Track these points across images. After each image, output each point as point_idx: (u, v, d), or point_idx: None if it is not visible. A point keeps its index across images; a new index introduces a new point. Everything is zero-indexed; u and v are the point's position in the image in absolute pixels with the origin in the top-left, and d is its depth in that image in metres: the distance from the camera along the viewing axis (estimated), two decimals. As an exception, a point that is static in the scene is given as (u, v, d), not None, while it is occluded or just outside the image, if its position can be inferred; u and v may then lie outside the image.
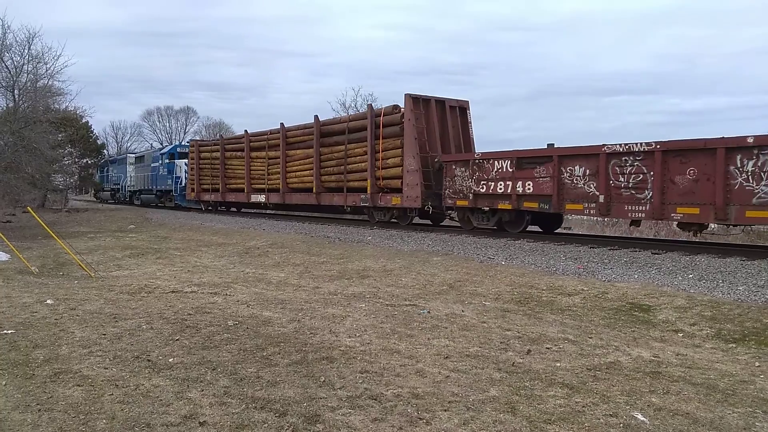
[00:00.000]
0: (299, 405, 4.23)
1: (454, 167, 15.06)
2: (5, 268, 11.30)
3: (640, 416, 4.13)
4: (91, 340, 5.90)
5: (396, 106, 16.97)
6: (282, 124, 22.00)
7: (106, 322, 6.70)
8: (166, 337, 6.09)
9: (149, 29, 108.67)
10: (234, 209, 27.28)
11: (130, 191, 38.63)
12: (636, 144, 11.24)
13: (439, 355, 5.58)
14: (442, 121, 16.79)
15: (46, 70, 25.36)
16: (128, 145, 78.19)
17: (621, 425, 3.97)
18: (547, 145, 12.84)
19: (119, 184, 41.54)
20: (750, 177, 9.78)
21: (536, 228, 15.29)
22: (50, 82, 26.23)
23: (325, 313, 7.38)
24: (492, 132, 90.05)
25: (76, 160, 43.86)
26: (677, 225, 11.82)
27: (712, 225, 10.68)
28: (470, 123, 17.45)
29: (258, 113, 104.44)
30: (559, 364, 5.33)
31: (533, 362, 5.39)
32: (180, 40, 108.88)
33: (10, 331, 6.21)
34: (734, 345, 6.18)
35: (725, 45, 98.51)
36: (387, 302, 8.13)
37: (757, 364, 5.50)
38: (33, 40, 24.76)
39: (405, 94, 16.37)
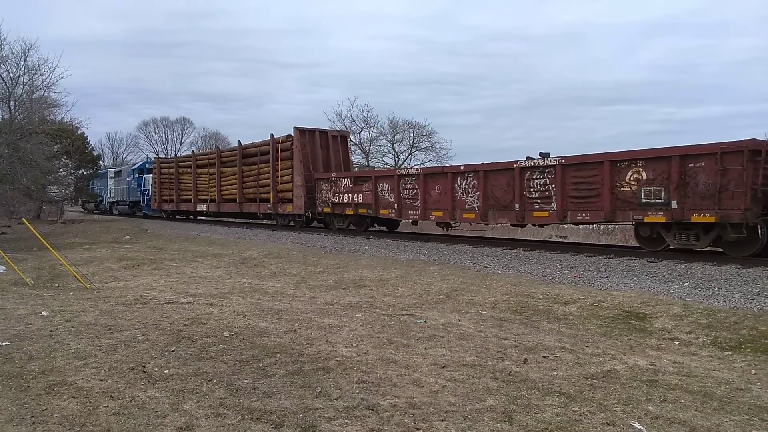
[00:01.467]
0: (296, 416, 4.22)
1: (322, 183, 19.92)
2: (0, 280, 11.25)
3: (637, 425, 4.13)
4: (86, 352, 5.87)
5: (289, 136, 21.16)
6: (217, 146, 28.10)
7: (102, 334, 6.67)
8: (162, 348, 6.06)
9: (146, 41, 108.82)
10: (191, 217, 31.90)
11: (110, 202, 42.72)
12: (413, 168, 17.36)
13: (436, 364, 5.57)
14: (325, 147, 21.37)
15: (42, 82, 25.37)
16: (124, 156, 78.10)
17: (618, 434, 3.97)
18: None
19: (102, 196, 45.44)
20: (464, 192, 14.72)
21: (383, 228, 20.14)
22: (46, 94, 26.23)
23: (322, 323, 7.36)
24: (487, 142, 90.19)
25: (72, 171, 43.83)
26: (435, 224, 16.66)
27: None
28: (350, 148, 22.90)
29: (255, 124, 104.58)
30: (555, 373, 5.33)
31: (530, 371, 5.38)
32: (177, 52, 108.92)
33: (4, 343, 6.17)
34: (730, 353, 6.19)
35: (720, 55, 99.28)
36: (383, 312, 8.12)
37: (753, 371, 5.50)
38: (29, 51, 24.72)
39: (294, 127, 20.92)
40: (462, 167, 14.91)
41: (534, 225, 14.33)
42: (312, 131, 21.31)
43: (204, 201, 27.16)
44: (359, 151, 48.04)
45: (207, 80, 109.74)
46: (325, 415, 4.25)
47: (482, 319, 7.72)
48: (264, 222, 25.14)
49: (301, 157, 20.36)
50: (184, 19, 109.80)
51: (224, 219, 29.12)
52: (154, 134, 78.13)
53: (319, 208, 20.00)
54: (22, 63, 24.68)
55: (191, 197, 28.15)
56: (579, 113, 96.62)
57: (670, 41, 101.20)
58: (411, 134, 49.04)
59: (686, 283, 9.02)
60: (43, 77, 25.17)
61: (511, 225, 14.37)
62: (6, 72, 24.48)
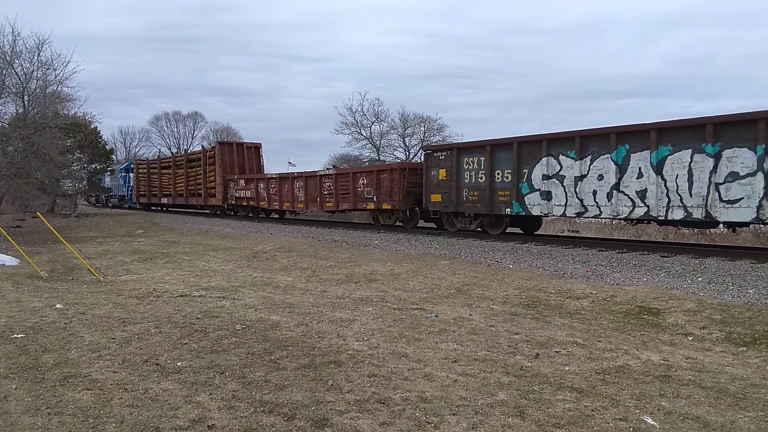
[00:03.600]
0: (307, 409, 4.23)
1: (230, 182, 27.08)
2: (15, 273, 11.38)
3: (650, 420, 4.10)
4: (100, 344, 5.93)
5: (214, 147, 28.89)
6: (173, 153, 35.58)
7: (115, 326, 6.73)
8: (175, 341, 6.11)
9: (160, 36, 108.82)
10: (163, 208, 37.83)
11: (106, 196, 48.78)
12: (274, 174, 23.97)
13: (447, 359, 5.57)
14: (241, 155, 28.53)
15: (56, 77, 25.36)
16: (136, 150, 78.34)
17: (631, 429, 3.95)
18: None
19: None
20: (298, 190, 21.97)
21: (276, 216, 25.93)
22: (59, 89, 26.27)
23: (333, 316, 7.38)
24: (499, 136, 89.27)
25: (85, 165, 44.19)
26: (288, 211, 24.15)
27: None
28: (262, 156, 29.93)
29: (268, 118, 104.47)
30: (567, 368, 5.31)
31: (542, 366, 5.36)
32: (190, 46, 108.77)
33: (20, 336, 6.25)
34: (745, 348, 6.13)
35: (737, 48, 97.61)
36: (394, 306, 8.13)
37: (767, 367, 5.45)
38: (42, 46, 24.71)
39: (216, 141, 28.59)
40: (295, 174, 22.82)
41: (330, 212, 21.69)
42: (230, 143, 29.85)
43: (165, 195, 34.28)
44: (370, 145, 47.98)
45: (221, 74, 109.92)
46: (337, 408, 4.26)
47: (493, 313, 7.70)
48: (205, 211, 31.99)
49: (221, 163, 27.57)
50: (198, 14, 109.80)
51: (182, 209, 35.60)
52: (166, 129, 78.20)
53: (230, 201, 27.14)
54: (36, 58, 24.70)
55: (157, 192, 35.13)
56: (593, 106, 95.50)
57: (685, 34, 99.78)
58: (422, 128, 48.77)
59: (700, 278, 8.94)
60: (57, 72, 25.21)
61: (322, 211, 21.66)
62: (20, 67, 24.58)
